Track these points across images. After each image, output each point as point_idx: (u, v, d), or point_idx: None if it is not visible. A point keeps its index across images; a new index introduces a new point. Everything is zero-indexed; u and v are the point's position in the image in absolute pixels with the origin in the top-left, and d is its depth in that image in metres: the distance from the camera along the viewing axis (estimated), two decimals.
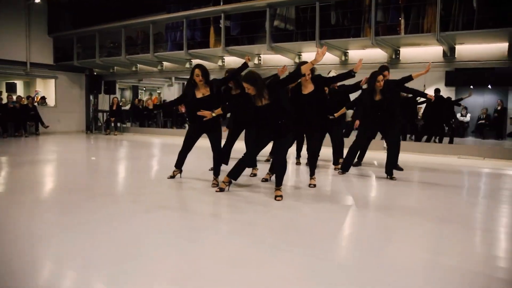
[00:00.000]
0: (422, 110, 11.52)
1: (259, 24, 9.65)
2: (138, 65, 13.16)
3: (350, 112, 7.26)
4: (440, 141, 10.21)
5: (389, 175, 5.82)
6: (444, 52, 8.43)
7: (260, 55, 10.65)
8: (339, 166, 6.52)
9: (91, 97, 14.96)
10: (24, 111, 12.43)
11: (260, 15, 9.48)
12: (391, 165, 5.83)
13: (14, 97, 12.77)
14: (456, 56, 8.41)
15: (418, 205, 4.55)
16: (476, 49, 8.21)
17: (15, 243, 2.97)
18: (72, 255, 2.79)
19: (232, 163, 4.91)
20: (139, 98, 17.38)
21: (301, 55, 10.10)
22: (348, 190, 5.27)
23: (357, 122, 6.03)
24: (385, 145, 9.20)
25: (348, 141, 6.62)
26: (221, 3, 10.29)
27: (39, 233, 3.20)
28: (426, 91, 11.10)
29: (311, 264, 2.68)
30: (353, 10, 8.58)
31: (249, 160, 4.71)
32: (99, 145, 11.03)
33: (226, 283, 2.38)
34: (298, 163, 7.03)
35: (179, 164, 5.45)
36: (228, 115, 5.97)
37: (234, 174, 4.66)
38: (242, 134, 5.80)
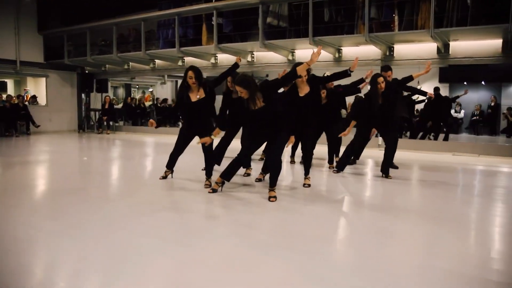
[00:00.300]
0: (420, 108, 11.53)
1: (252, 21, 9.56)
2: (130, 63, 13.03)
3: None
4: (436, 138, 10.20)
5: (385, 174, 5.77)
6: (438, 48, 8.40)
7: (253, 53, 10.56)
8: (334, 165, 6.48)
9: (83, 96, 14.80)
10: (14, 110, 12.26)
11: (252, 12, 9.39)
12: (387, 164, 5.78)
13: (4, 96, 12.58)
14: (450, 52, 8.38)
15: (413, 205, 4.50)
16: (470, 45, 8.19)
17: (1, 248, 2.87)
18: (61, 262, 2.71)
19: (225, 163, 4.84)
20: (131, 96, 17.22)
21: (294, 52, 10.02)
22: (344, 190, 5.21)
23: (353, 123, 5.95)
24: (380, 142, 9.24)
25: (345, 140, 6.56)
26: (213, 0, 10.18)
27: (27, 239, 3.10)
28: (419, 87, 11.13)
29: (306, 267, 2.61)
30: (346, 6, 8.51)
31: (243, 161, 4.64)
32: (91, 144, 10.90)
33: None
34: (292, 161, 6.98)
35: (170, 165, 5.38)
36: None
37: (227, 175, 4.59)
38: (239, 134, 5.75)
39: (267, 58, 10.40)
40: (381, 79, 5.52)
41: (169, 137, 5.21)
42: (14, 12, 12.89)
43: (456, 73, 13.65)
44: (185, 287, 2.35)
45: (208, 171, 5.06)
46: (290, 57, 10.03)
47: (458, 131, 13.75)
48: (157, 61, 12.43)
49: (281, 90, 5.27)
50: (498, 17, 7.10)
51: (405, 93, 8.47)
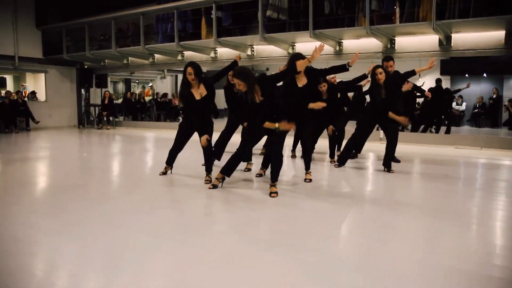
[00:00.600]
0: (420, 101, 11.45)
1: (252, 14, 9.46)
2: (129, 57, 12.93)
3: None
4: (437, 131, 10.12)
5: (387, 168, 5.71)
6: (440, 40, 8.29)
7: (253, 46, 10.47)
8: (335, 159, 6.43)
9: (83, 91, 14.73)
10: (14, 106, 12.19)
11: (252, 5, 9.28)
12: (389, 158, 5.73)
13: (3, 92, 12.51)
14: (452, 44, 8.28)
15: (415, 199, 4.46)
16: (473, 37, 8.09)
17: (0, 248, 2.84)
18: (60, 261, 2.68)
19: (225, 159, 4.79)
20: (131, 91, 17.15)
21: (294, 45, 9.93)
22: (345, 185, 5.18)
23: None
24: (381, 136, 9.17)
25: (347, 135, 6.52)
26: None
27: (26, 238, 3.06)
28: (422, 80, 11.08)
29: (306, 264, 2.57)
30: None
31: (244, 155, 4.59)
32: (91, 140, 10.86)
33: (220, 286, 2.27)
34: (293, 156, 6.92)
35: (170, 161, 5.32)
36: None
37: (228, 170, 4.54)
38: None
39: (267, 51, 10.31)
40: (379, 70, 5.46)
41: (169, 132, 5.18)
42: (12, 7, 12.77)
43: (457, 65, 13.56)
44: (185, 284, 2.31)
45: (208, 166, 5.00)
46: (290, 51, 9.94)
47: (459, 124, 13.69)
48: (156, 55, 12.34)
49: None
50: (500, 8, 7.01)
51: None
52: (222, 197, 4.32)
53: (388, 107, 5.49)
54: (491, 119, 13.37)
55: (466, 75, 14.47)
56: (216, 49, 11.09)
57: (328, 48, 9.39)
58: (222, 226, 3.43)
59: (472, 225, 3.58)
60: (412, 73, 5.68)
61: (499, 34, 7.82)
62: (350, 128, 6.70)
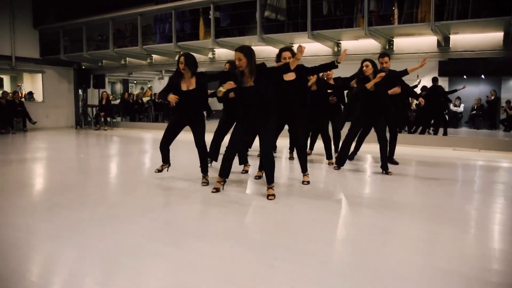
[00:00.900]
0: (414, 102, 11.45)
1: (250, 15, 9.44)
2: (127, 58, 12.90)
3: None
4: (435, 133, 10.08)
5: (384, 170, 5.68)
6: (438, 42, 8.29)
7: (251, 47, 10.43)
8: (333, 160, 6.40)
9: (80, 92, 14.67)
10: (10, 107, 12.13)
11: (250, 6, 9.26)
12: (385, 159, 5.70)
13: (0, 93, 12.45)
14: (450, 46, 8.28)
15: (413, 202, 4.42)
16: (471, 38, 8.09)
17: None
18: (56, 266, 2.64)
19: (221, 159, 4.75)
20: (129, 91, 17.09)
21: (292, 46, 9.89)
22: (343, 188, 5.14)
23: None
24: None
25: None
26: None
27: (22, 244, 3.01)
28: (420, 82, 11.06)
29: (305, 271, 2.53)
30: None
31: (232, 154, 4.45)
32: (89, 141, 10.81)
33: None
34: (291, 158, 6.89)
35: (165, 158, 5.18)
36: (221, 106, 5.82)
37: (225, 172, 4.49)
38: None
39: (265, 52, 10.27)
40: (366, 63, 5.49)
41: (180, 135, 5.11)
42: (9, 7, 12.72)
43: (455, 66, 13.54)
44: None
45: (203, 168, 4.96)
46: None
47: (457, 125, 13.69)
48: (154, 56, 12.31)
49: None
50: (499, 10, 7.01)
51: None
52: (219, 200, 4.28)
53: (375, 101, 5.49)
54: (489, 121, 13.36)
55: (464, 77, 14.47)
56: (214, 49, 11.07)
57: (326, 49, 9.39)
58: (219, 230, 3.38)
59: (470, 228, 3.55)
60: (405, 72, 5.66)
61: (497, 36, 7.81)
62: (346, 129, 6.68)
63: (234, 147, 4.42)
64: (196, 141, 4.91)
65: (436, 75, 13.88)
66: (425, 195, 4.74)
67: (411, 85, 9.89)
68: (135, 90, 18.07)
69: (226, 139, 5.80)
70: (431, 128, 10.30)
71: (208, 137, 5.14)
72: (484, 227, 3.57)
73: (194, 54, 11.28)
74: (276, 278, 2.44)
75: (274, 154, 7.16)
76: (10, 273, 2.50)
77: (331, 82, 6.51)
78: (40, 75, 13.87)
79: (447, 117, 13.30)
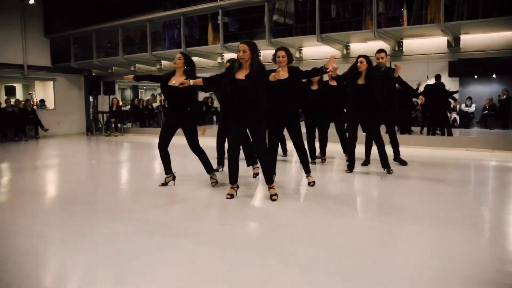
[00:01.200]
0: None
1: (258, 19, 9.45)
2: (136, 64, 12.97)
3: None
4: (443, 133, 9.87)
5: (385, 168, 5.72)
6: (448, 42, 8.22)
7: (260, 51, 10.44)
8: (325, 157, 6.72)
9: (91, 98, 14.80)
10: (23, 115, 12.29)
11: (258, 10, 9.28)
12: (384, 157, 5.73)
13: (12, 101, 12.62)
14: (461, 46, 8.18)
15: (427, 205, 4.36)
16: (482, 38, 7.99)
17: (6, 262, 2.82)
18: (67, 274, 2.66)
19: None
20: (139, 97, 17.21)
21: (301, 49, 9.90)
22: (350, 190, 5.11)
23: None
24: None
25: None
26: None
27: (34, 250, 3.04)
28: (428, 82, 10.95)
29: (311, 275, 2.51)
30: (353, 2, 8.37)
31: (233, 154, 4.45)
32: (100, 147, 10.89)
33: None
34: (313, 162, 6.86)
35: (167, 168, 5.10)
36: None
37: (233, 177, 4.49)
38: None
39: None
40: (361, 59, 5.54)
41: (177, 138, 5.13)
42: (21, 17, 12.91)
43: (466, 66, 13.41)
44: None
45: (208, 168, 5.01)
46: (297, 55, 9.91)
47: (469, 126, 13.55)
48: (163, 62, 12.37)
49: None
50: (510, 9, 6.92)
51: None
52: (230, 204, 4.27)
53: (364, 96, 5.52)
54: (501, 120, 13.19)
55: (475, 76, 14.34)
56: (223, 54, 11.09)
57: (335, 52, 9.35)
58: (228, 235, 3.36)
59: (485, 231, 3.50)
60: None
61: (508, 35, 7.72)
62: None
63: (233, 146, 4.44)
64: (190, 146, 4.94)
65: (446, 75, 13.81)
66: (438, 197, 4.69)
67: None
68: (145, 96, 18.19)
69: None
70: (438, 128, 10.10)
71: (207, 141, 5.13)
72: (499, 229, 3.52)
73: (203, 59, 11.37)
74: (281, 283, 2.43)
75: (285, 158, 7.21)
76: (23, 278, 2.53)
77: (333, 83, 6.52)
78: (51, 82, 14.04)
79: (455, 116, 13.21)
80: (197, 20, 10.53)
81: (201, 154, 4.98)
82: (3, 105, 12.28)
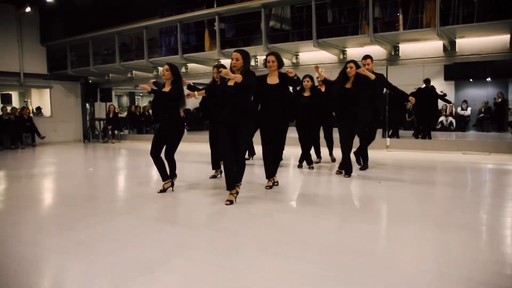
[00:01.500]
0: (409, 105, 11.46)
1: (255, 25, 9.50)
2: (133, 71, 12.99)
3: None
4: (425, 136, 9.93)
5: (344, 171, 5.92)
6: (444, 46, 8.28)
7: (257, 57, 10.49)
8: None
9: (87, 106, 14.78)
10: (19, 122, 12.24)
11: (255, 16, 9.34)
12: (344, 161, 5.88)
13: (9, 109, 12.57)
14: (457, 50, 8.26)
15: (424, 208, 4.36)
16: (477, 42, 8.07)
17: (6, 270, 2.80)
18: (68, 281, 2.64)
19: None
20: (136, 104, 17.19)
21: (298, 55, 9.94)
22: (349, 194, 5.10)
23: None
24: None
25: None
26: (215, 5, 10.13)
27: (33, 258, 3.02)
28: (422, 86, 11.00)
29: (313, 280, 2.50)
30: (350, 7, 8.43)
31: (228, 161, 4.48)
32: (97, 154, 10.86)
33: None
34: (300, 166, 6.88)
35: (163, 174, 5.13)
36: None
37: (230, 184, 4.49)
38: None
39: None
40: (350, 64, 5.68)
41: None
42: (17, 24, 12.91)
43: (461, 70, 13.48)
44: None
45: (171, 175, 5.12)
46: (294, 60, 9.96)
47: (465, 129, 13.60)
48: (160, 68, 12.38)
49: None
50: (505, 12, 7.00)
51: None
52: (229, 211, 4.26)
53: (349, 100, 5.63)
54: (497, 123, 13.25)
55: (471, 80, 14.41)
56: (220, 60, 11.11)
57: (332, 57, 9.40)
58: (229, 242, 3.36)
59: (483, 233, 3.50)
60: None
61: (503, 38, 7.79)
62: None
63: (227, 153, 4.46)
64: (166, 150, 5.01)
65: (442, 79, 13.89)
66: (435, 201, 4.70)
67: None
68: (142, 103, 18.17)
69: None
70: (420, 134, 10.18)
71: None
72: (497, 232, 3.52)
73: (200, 66, 11.38)
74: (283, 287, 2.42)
75: (282, 162, 7.21)
76: (18, 286, 2.50)
77: (322, 88, 6.64)
78: (48, 90, 14.02)
79: (451, 119, 13.27)
80: (193, 27, 10.57)
81: (172, 162, 5.11)
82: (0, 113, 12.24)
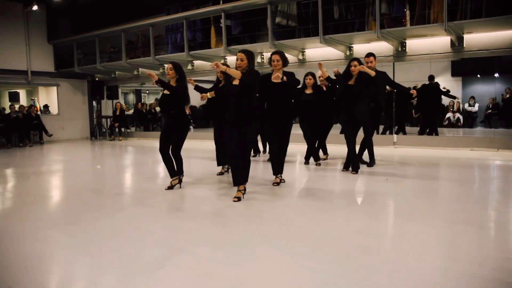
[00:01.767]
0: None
1: (261, 22, 9.48)
2: (139, 68, 13.02)
3: None
4: (431, 133, 9.88)
5: (346, 168, 6.01)
6: (452, 42, 8.21)
7: (263, 54, 10.47)
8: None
9: (94, 103, 14.85)
10: (27, 120, 12.33)
11: (261, 13, 9.31)
12: (349, 158, 5.97)
13: (17, 107, 12.67)
14: (464, 45, 8.17)
15: (432, 204, 4.35)
16: (485, 37, 7.98)
17: (16, 267, 2.83)
18: (77, 277, 2.66)
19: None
20: (142, 101, 17.24)
21: (304, 51, 9.91)
22: (356, 191, 5.09)
23: None
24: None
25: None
26: (221, 2, 10.12)
27: (42, 255, 3.05)
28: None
29: (320, 276, 2.51)
30: (356, 3, 8.38)
31: (236, 160, 4.52)
32: (104, 152, 10.91)
33: None
34: (306, 163, 6.87)
35: (171, 171, 5.19)
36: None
37: (240, 180, 4.51)
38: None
39: None
40: (354, 62, 5.74)
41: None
42: (24, 23, 12.98)
43: (468, 66, 13.36)
44: None
45: (178, 171, 5.15)
46: (300, 57, 9.93)
47: (473, 125, 13.51)
48: (166, 66, 12.39)
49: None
50: None
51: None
52: (235, 207, 4.27)
53: (352, 96, 5.69)
54: (505, 120, 13.14)
55: (478, 76, 14.30)
56: (226, 57, 11.11)
57: (338, 53, 9.36)
58: (237, 238, 3.37)
59: (490, 230, 3.49)
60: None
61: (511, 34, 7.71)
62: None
63: (233, 149, 4.48)
64: (172, 147, 5.07)
65: (449, 75, 13.79)
66: (443, 197, 4.69)
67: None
68: (148, 100, 18.22)
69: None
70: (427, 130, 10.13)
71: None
72: (505, 228, 3.51)
73: (206, 63, 11.40)
74: (290, 283, 2.42)
75: (288, 159, 7.21)
76: (29, 282, 2.53)
77: (323, 84, 6.65)
78: (55, 88, 14.10)
79: (458, 115, 13.18)
80: (199, 24, 10.56)
81: (178, 159, 5.15)
82: (8, 111, 12.32)
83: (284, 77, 4.87)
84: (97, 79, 14.59)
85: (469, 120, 13.56)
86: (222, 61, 10.89)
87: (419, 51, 8.73)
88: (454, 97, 11.58)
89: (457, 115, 13.48)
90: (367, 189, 5.15)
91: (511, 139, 8.73)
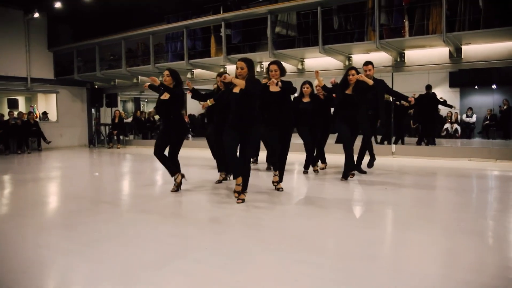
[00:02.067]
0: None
1: (261, 31, 9.54)
2: (139, 77, 13.06)
3: None
4: (429, 142, 9.92)
5: (345, 177, 6.02)
6: (450, 53, 8.27)
7: (262, 63, 10.52)
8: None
9: (93, 111, 14.85)
10: (25, 127, 12.31)
11: (261, 22, 9.38)
12: (347, 167, 6.00)
13: (15, 113, 12.66)
14: (462, 56, 8.24)
15: (431, 214, 4.35)
16: (483, 48, 8.05)
17: (15, 271, 2.81)
18: (75, 283, 2.64)
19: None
20: (141, 110, 17.25)
21: (304, 61, 9.96)
22: (355, 199, 5.09)
23: None
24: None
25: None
26: (221, 11, 10.19)
27: (40, 260, 3.03)
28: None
29: (321, 284, 2.50)
30: (355, 14, 8.46)
31: (235, 163, 4.64)
32: (102, 159, 10.89)
33: None
34: (305, 172, 6.87)
35: (171, 170, 5.33)
36: None
37: (239, 172, 4.65)
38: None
39: None
40: (352, 71, 5.83)
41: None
42: (25, 30, 13.02)
43: (466, 77, 13.47)
44: None
45: (175, 170, 5.29)
46: (299, 67, 9.98)
47: (471, 136, 13.56)
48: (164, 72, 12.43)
49: None
50: (511, 19, 6.99)
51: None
52: (237, 211, 4.26)
53: (349, 106, 5.78)
54: (503, 131, 13.19)
55: (476, 87, 14.39)
56: (226, 66, 11.16)
57: (337, 63, 9.42)
58: (236, 244, 3.36)
59: (488, 238, 3.49)
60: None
61: (510, 45, 7.78)
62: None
63: (230, 145, 4.59)
64: (169, 152, 5.23)
65: (447, 86, 13.88)
66: (442, 206, 4.68)
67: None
68: (147, 108, 18.24)
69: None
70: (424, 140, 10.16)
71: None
72: (503, 237, 3.50)
73: (206, 71, 11.44)
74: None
75: (287, 168, 7.21)
76: (29, 285, 2.52)
77: (320, 92, 6.62)
78: (54, 95, 14.10)
79: (456, 126, 13.23)
80: (199, 32, 10.62)
81: (176, 163, 5.32)
82: (6, 117, 12.31)
83: (279, 83, 4.89)
84: (96, 86, 14.61)
85: (467, 131, 13.62)
86: (222, 70, 10.95)
87: (417, 61, 8.79)
88: (451, 106, 11.65)
89: (455, 126, 13.54)
90: (366, 198, 5.15)
91: (509, 150, 8.77)
